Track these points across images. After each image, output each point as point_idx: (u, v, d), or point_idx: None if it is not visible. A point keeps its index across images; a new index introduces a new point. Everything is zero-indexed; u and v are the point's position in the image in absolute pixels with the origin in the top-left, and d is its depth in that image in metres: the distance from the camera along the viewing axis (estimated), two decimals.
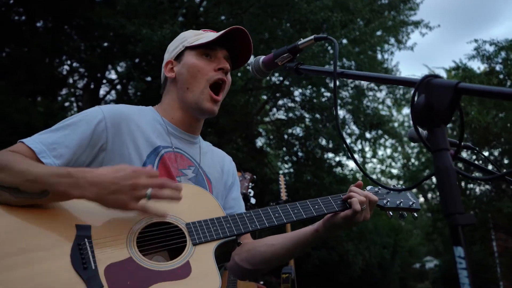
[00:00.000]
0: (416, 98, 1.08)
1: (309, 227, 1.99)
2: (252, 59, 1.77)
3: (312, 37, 1.48)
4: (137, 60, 14.28)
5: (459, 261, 0.91)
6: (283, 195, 5.56)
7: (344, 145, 1.29)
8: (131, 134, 1.83)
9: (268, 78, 16.91)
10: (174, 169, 1.88)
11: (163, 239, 1.65)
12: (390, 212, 2.04)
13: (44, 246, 1.50)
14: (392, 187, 1.72)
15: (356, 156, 18.75)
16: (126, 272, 1.51)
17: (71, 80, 15.76)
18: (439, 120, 1.04)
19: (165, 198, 1.59)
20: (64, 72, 15.34)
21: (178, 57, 2.00)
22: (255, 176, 4.75)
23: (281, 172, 17.70)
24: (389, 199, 2.03)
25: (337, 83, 1.33)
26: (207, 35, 1.99)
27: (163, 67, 2.05)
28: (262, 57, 1.69)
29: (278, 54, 1.60)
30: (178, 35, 2.07)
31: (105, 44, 13.94)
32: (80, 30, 13.82)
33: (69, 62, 15.05)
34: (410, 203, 2.06)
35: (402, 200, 2.05)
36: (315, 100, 16.18)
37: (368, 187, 2.07)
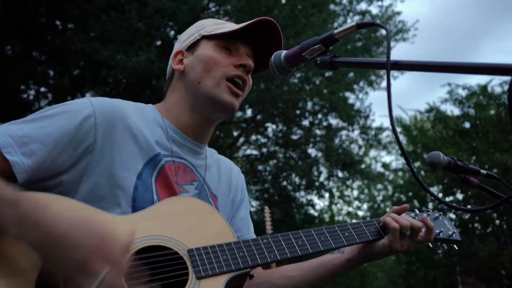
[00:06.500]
0: None
1: (337, 255, 1.66)
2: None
3: (353, 23, 1.22)
4: (108, 89, 13.90)
5: None
6: (268, 229, 5.21)
7: (395, 137, 1.10)
8: (126, 135, 1.47)
9: (239, 113, 16.79)
10: (174, 183, 1.53)
11: (157, 269, 1.30)
12: (430, 244, 1.73)
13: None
14: (454, 205, 1.44)
15: (326, 195, 18.65)
16: None
17: (37, 105, 15.17)
18: None
19: None
20: (31, 97, 14.78)
21: (192, 47, 1.66)
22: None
23: (252, 209, 17.30)
24: None
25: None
26: (230, 26, 1.67)
27: (171, 58, 1.70)
28: (284, 52, 1.41)
29: (306, 46, 1.32)
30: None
31: (76, 70, 13.55)
32: (50, 55, 13.41)
33: (36, 87, 14.53)
34: (450, 232, 1.77)
35: (442, 230, 1.75)
36: (293, 137, 16.04)
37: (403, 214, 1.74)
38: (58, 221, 1.14)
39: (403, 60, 1.09)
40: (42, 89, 14.59)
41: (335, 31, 1.27)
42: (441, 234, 1.74)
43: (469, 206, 15.17)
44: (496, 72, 0.90)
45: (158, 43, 13.10)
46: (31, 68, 12.88)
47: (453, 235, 1.77)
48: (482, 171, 1.97)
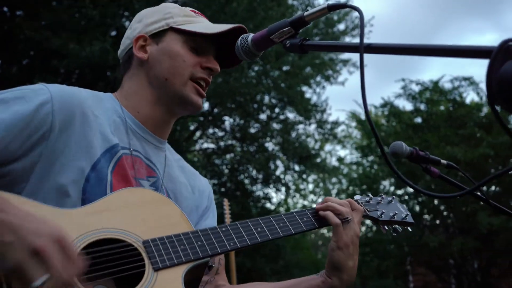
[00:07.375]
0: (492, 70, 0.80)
1: (313, 276, 1.60)
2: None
3: (324, 5, 1.18)
4: (59, 80, 13.43)
5: None
6: (228, 221, 5.15)
7: (370, 127, 1.09)
8: (83, 125, 1.39)
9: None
10: (131, 177, 1.46)
11: (111, 262, 1.22)
12: (385, 226, 1.77)
13: None
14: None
15: (283, 189, 18.77)
16: None
17: None
18: None
19: None
20: None
21: (157, 35, 1.58)
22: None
23: None
24: (383, 211, 1.75)
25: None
26: (200, 22, 1.62)
27: (131, 39, 1.60)
28: (251, 35, 1.37)
29: (275, 29, 1.28)
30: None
31: (26, 59, 12.99)
32: None
33: None
34: (403, 215, 1.80)
35: (396, 212, 1.78)
36: (251, 131, 16.02)
37: (357, 197, 1.78)
38: (12, 210, 1.05)
39: (376, 43, 1.06)
40: None
41: (306, 13, 1.23)
42: (395, 216, 1.77)
43: (423, 197, 15.63)
44: (474, 55, 0.88)
45: (113, 33, 12.73)
46: None
47: (407, 217, 1.81)
48: (443, 161, 2.00)
